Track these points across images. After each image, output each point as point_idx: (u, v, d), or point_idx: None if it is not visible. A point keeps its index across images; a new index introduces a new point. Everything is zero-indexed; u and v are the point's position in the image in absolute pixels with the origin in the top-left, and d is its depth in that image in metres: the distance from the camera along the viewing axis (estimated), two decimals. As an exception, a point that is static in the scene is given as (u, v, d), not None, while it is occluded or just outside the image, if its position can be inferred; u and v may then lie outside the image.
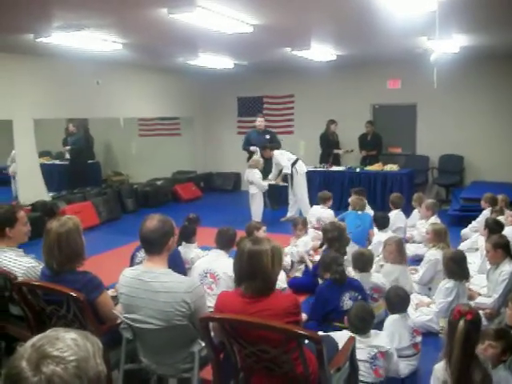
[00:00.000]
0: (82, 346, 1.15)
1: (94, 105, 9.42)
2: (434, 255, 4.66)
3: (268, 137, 9.36)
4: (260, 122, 9.48)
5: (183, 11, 5.03)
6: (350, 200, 6.74)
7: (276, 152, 8.55)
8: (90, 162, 11.06)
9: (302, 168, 8.57)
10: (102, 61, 8.93)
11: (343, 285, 3.81)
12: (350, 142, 10.36)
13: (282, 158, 8.46)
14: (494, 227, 5.23)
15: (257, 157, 8.70)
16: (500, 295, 3.99)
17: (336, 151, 10.30)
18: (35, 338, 1.14)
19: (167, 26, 5.89)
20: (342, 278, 3.81)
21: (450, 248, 4.74)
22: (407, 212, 7.20)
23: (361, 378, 3.04)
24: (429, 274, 4.67)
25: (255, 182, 8.20)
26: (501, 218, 5.71)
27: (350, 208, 6.67)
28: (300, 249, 5.55)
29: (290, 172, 8.47)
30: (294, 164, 8.45)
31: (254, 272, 2.38)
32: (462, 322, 2.47)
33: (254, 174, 8.20)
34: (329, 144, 10.25)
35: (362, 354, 3.12)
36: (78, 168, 10.39)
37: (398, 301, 3.59)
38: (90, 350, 1.15)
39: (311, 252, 5.70)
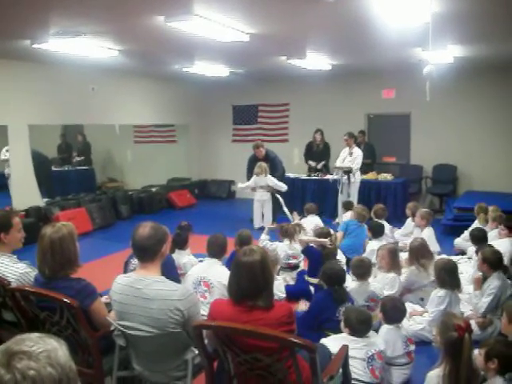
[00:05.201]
0: (48, 340, 1.19)
1: (90, 111, 9.42)
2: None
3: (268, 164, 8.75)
4: (260, 151, 8.81)
5: (180, 19, 5.06)
6: (353, 209, 6.83)
7: (357, 150, 8.73)
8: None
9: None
10: (98, 67, 8.95)
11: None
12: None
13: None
14: (477, 235, 5.45)
15: (263, 164, 8.45)
16: (486, 308, 4.06)
17: (310, 162, 10.13)
18: (1, 346, 1.17)
19: (164, 34, 5.91)
20: (340, 298, 3.82)
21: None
22: (401, 221, 7.22)
23: (357, 377, 3.04)
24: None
25: (275, 184, 8.28)
26: (495, 231, 5.78)
27: (351, 216, 6.73)
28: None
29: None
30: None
31: (268, 284, 2.38)
32: (467, 337, 2.43)
33: (271, 179, 8.28)
34: (308, 154, 10.17)
35: (359, 352, 3.13)
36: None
37: (396, 313, 3.59)
38: (56, 343, 1.19)
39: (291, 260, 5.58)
